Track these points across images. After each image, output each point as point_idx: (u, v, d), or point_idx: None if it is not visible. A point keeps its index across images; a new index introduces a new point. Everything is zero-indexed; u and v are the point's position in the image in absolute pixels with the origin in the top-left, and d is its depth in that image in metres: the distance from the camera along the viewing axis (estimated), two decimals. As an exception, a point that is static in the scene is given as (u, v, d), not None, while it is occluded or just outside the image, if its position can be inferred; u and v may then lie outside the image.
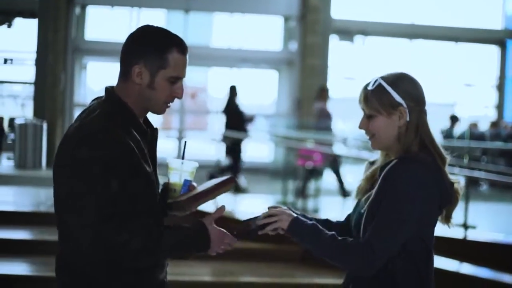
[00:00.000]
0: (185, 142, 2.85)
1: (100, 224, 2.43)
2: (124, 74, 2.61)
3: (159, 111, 2.66)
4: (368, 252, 2.57)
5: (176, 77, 2.59)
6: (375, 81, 2.73)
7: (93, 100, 2.71)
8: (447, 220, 2.78)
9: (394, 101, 2.68)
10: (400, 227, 2.59)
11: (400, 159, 2.67)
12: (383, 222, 2.59)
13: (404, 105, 2.68)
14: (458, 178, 2.78)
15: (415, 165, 2.62)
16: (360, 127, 2.78)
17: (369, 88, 2.73)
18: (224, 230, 2.66)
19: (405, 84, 2.71)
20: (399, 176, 2.61)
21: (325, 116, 12.34)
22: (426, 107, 2.76)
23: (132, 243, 2.44)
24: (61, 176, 2.55)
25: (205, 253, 2.65)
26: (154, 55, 2.55)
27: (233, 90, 13.01)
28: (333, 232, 2.69)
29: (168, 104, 2.66)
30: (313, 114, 12.73)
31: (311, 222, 2.77)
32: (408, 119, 2.68)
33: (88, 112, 2.59)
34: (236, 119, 12.74)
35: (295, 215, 2.78)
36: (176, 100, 2.65)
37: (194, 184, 2.79)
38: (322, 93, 12.52)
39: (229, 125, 12.78)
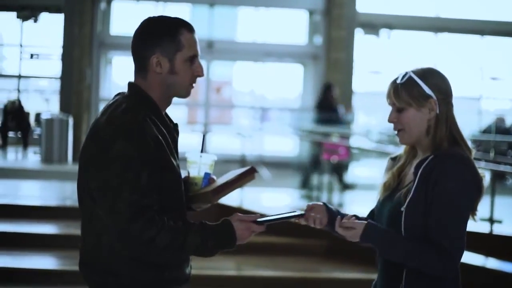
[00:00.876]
0: (204, 135, 2.85)
1: (131, 218, 2.43)
2: (142, 69, 2.63)
3: (185, 94, 2.67)
4: (444, 255, 2.61)
5: (193, 55, 2.62)
6: (405, 74, 2.74)
7: (116, 95, 2.71)
8: (473, 213, 2.77)
9: (425, 93, 2.70)
10: (465, 225, 2.66)
11: (436, 156, 2.68)
12: (452, 224, 2.63)
13: (434, 97, 2.70)
14: (484, 172, 2.78)
15: (455, 162, 2.65)
16: (390, 120, 2.79)
17: (399, 81, 2.74)
18: (249, 222, 2.65)
19: (434, 77, 2.74)
20: (444, 174, 2.63)
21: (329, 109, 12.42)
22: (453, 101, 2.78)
23: (160, 239, 2.45)
24: (91, 169, 2.53)
25: (231, 249, 2.65)
26: (167, 41, 2.58)
27: (328, 86, 12.91)
28: (404, 236, 2.69)
29: (193, 85, 2.67)
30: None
31: (383, 228, 2.75)
32: (438, 111, 2.71)
33: (115, 106, 2.58)
34: (329, 116, 12.67)
35: (365, 222, 2.76)
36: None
37: (214, 177, 2.80)
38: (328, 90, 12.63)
39: (321, 121, 12.73)
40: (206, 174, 2.76)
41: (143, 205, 2.44)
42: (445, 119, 2.71)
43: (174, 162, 2.60)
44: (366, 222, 2.74)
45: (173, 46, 2.58)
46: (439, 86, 2.72)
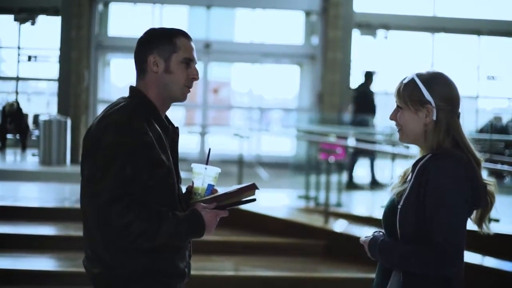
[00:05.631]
0: (209, 149, 2.98)
1: (110, 203, 2.55)
2: (141, 70, 2.82)
3: (181, 95, 2.83)
4: (441, 253, 2.61)
5: (188, 58, 2.80)
6: (411, 76, 2.78)
7: (119, 99, 2.85)
8: (479, 223, 2.80)
9: (423, 98, 2.72)
10: (459, 220, 2.65)
11: (434, 155, 2.71)
12: (444, 221, 2.63)
13: (433, 103, 2.72)
14: (491, 180, 2.80)
15: (450, 160, 2.67)
16: (390, 118, 2.84)
17: (404, 82, 2.79)
18: (215, 210, 2.77)
19: (438, 83, 2.75)
20: (436, 171, 2.65)
21: None
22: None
23: (136, 226, 2.56)
24: (84, 161, 2.71)
25: (200, 237, 2.75)
26: (163, 43, 2.79)
27: (369, 75, 12.85)
28: (398, 243, 2.73)
29: (189, 88, 2.84)
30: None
31: (380, 241, 2.78)
32: (434, 118, 2.72)
33: (112, 105, 2.76)
34: (368, 106, 12.66)
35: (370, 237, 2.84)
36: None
37: (216, 189, 2.93)
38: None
39: (359, 111, 12.71)
40: (209, 186, 2.89)
41: (123, 192, 2.56)
42: (445, 125, 2.72)
43: (167, 162, 2.72)
44: (370, 238, 2.82)
45: (169, 47, 2.78)
46: (442, 93, 2.73)
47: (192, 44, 2.84)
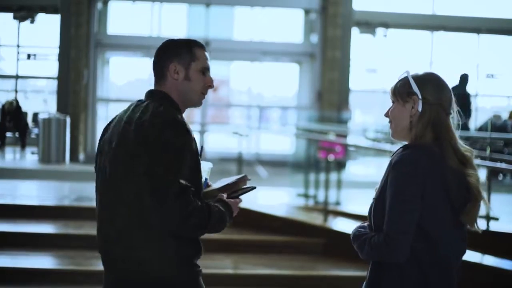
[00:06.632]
0: (202, 146, 3.11)
1: (175, 197, 2.73)
2: (161, 76, 3.01)
3: (197, 101, 3.07)
4: (387, 240, 2.69)
5: (205, 67, 3.03)
6: (405, 73, 2.86)
7: (138, 101, 3.00)
8: (468, 219, 2.80)
9: (411, 90, 2.79)
10: (405, 207, 2.68)
11: (405, 146, 2.79)
12: (390, 207, 2.70)
13: (419, 95, 2.77)
14: (477, 172, 2.80)
15: (416, 152, 2.72)
16: (385, 115, 2.91)
17: (398, 78, 2.87)
18: (233, 199, 3.01)
19: (429, 80, 2.82)
20: (399, 160, 2.72)
21: None
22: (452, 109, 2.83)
23: (194, 217, 2.76)
24: (138, 162, 2.81)
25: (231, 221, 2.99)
26: (184, 52, 2.99)
27: (465, 78, 12.79)
28: (364, 233, 2.84)
29: (204, 95, 3.08)
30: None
31: (354, 233, 2.90)
32: (420, 109, 2.77)
33: (154, 107, 2.89)
34: (466, 109, 12.61)
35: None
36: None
37: (209, 182, 3.11)
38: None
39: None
40: (205, 179, 3.05)
41: (184, 186, 2.75)
42: (427, 119, 2.77)
43: (199, 157, 2.95)
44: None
45: (188, 57, 2.99)
46: (431, 89, 2.79)
47: (207, 54, 3.05)
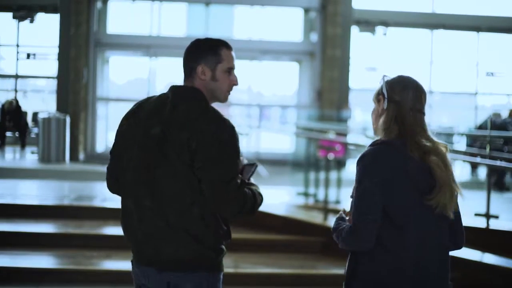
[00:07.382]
0: None
1: (238, 187, 3.03)
2: (190, 76, 3.21)
3: (224, 98, 3.32)
4: (352, 229, 2.90)
5: (230, 67, 3.24)
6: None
7: (162, 94, 3.21)
8: (438, 205, 2.90)
9: (380, 90, 3.04)
10: (366, 197, 2.87)
11: (372, 143, 3.01)
12: (354, 199, 2.92)
13: (386, 94, 3.00)
14: (441, 161, 2.94)
15: (378, 145, 2.95)
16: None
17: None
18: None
19: (397, 82, 3.04)
20: (361, 156, 2.95)
21: None
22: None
23: (248, 203, 3.06)
24: (201, 157, 3.02)
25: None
26: (210, 54, 3.19)
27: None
28: (339, 224, 3.08)
29: (229, 92, 3.32)
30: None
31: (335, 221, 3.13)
32: (385, 107, 3.00)
33: (203, 107, 3.19)
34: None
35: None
36: None
37: None
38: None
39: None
40: None
41: (241, 180, 3.06)
42: (391, 115, 2.98)
43: None
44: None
45: (214, 59, 3.19)
46: (397, 88, 3.01)
47: (233, 53, 3.27)
